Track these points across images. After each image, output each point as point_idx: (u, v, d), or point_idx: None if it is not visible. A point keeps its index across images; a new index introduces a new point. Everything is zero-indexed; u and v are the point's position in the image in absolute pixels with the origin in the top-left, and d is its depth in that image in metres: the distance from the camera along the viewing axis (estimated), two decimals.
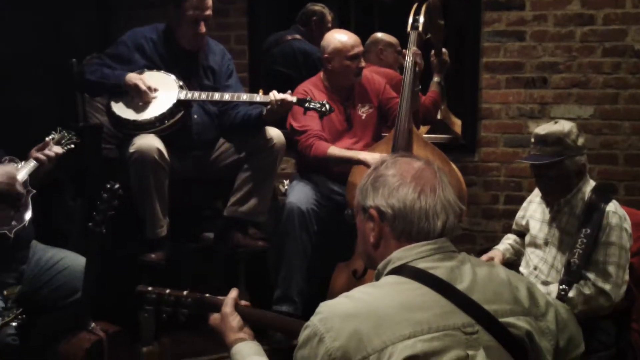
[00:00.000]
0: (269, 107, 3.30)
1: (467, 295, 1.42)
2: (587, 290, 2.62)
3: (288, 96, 3.29)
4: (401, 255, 1.49)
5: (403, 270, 1.46)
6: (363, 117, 3.79)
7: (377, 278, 1.53)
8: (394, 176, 1.55)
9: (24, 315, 2.61)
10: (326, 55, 3.70)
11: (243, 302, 1.90)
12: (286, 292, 3.53)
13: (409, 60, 3.47)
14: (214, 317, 1.86)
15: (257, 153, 3.46)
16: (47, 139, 3.00)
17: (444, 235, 1.53)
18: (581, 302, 2.62)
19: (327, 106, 3.31)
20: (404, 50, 3.57)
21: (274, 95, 3.28)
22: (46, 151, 2.91)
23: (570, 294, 2.62)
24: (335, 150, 3.53)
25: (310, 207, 3.52)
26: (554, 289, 2.65)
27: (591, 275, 2.64)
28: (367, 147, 3.68)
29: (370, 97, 3.83)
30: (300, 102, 3.33)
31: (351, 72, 3.69)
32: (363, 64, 3.73)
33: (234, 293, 1.89)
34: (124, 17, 4.55)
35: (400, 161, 1.59)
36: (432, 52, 3.85)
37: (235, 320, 1.82)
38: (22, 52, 3.82)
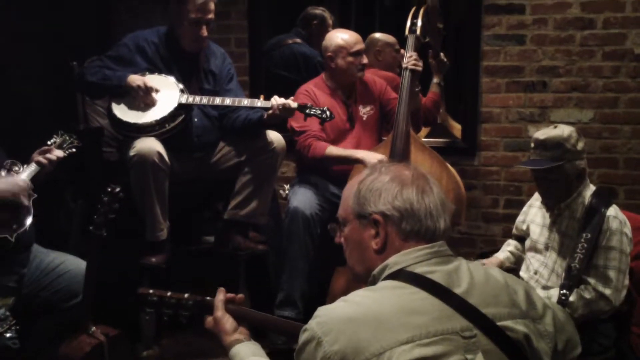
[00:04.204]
0: (270, 111, 3.31)
1: (464, 299, 1.43)
2: (587, 295, 2.63)
3: (289, 102, 3.30)
4: (398, 259, 1.50)
5: (400, 274, 1.47)
6: (364, 118, 3.80)
7: (373, 283, 1.53)
8: (393, 181, 1.56)
9: (17, 327, 2.61)
10: (329, 53, 3.71)
11: (238, 296, 1.91)
12: (289, 296, 3.53)
13: (406, 65, 3.48)
14: (208, 321, 1.88)
15: (258, 156, 3.47)
16: (48, 142, 3.01)
17: (444, 236, 1.55)
18: (582, 306, 2.63)
19: (328, 112, 3.33)
20: (402, 50, 3.58)
21: (276, 100, 3.29)
22: (48, 155, 2.92)
23: (571, 298, 2.62)
24: (333, 149, 3.55)
25: (314, 211, 3.52)
26: (554, 293, 2.66)
27: (592, 280, 2.64)
28: (369, 148, 3.69)
29: (372, 98, 3.84)
30: (301, 108, 3.34)
31: (355, 69, 3.71)
32: (365, 60, 3.75)
33: (221, 295, 1.89)
34: (125, 13, 4.58)
35: (392, 167, 1.61)
36: (430, 52, 3.86)
37: (227, 322, 1.83)
38: (23, 54, 3.83)
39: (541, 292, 2.70)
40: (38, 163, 2.89)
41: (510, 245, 3.20)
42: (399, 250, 1.52)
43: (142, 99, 3.30)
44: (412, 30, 3.55)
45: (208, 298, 1.95)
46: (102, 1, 4.59)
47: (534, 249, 2.94)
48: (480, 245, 4.34)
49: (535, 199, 3.04)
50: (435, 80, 3.97)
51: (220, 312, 1.85)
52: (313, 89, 3.76)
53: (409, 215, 1.52)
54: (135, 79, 3.30)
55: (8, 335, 2.58)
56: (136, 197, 3.26)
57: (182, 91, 3.36)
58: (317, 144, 3.56)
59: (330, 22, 4.84)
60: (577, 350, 1.62)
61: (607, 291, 2.62)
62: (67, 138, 3.11)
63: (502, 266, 3.06)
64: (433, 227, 1.53)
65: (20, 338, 2.62)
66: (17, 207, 2.74)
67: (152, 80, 3.35)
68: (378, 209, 1.54)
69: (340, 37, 3.72)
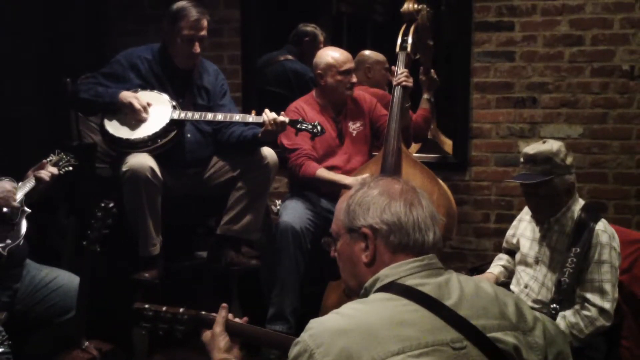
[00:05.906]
0: (263, 128, 3.33)
1: (455, 311, 1.44)
2: (588, 312, 2.63)
3: (280, 117, 3.32)
4: (389, 272, 1.51)
5: (391, 287, 1.48)
6: (354, 134, 3.82)
7: (365, 296, 1.54)
8: (381, 195, 1.58)
9: (10, 342, 2.61)
10: (319, 71, 3.74)
11: (237, 320, 1.93)
12: (280, 311, 3.53)
13: (397, 82, 3.51)
14: (206, 334, 1.89)
15: (250, 171, 3.48)
16: (44, 160, 3.02)
17: (434, 248, 1.56)
18: (587, 325, 2.62)
19: (319, 127, 3.35)
20: (393, 67, 3.61)
21: (267, 115, 3.31)
22: (43, 172, 2.93)
23: (573, 319, 2.63)
24: (323, 172, 3.57)
25: (304, 226, 3.53)
26: (561, 321, 2.66)
27: (589, 295, 2.65)
28: (359, 164, 3.71)
29: (362, 114, 3.87)
30: (293, 123, 3.36)
31: (344, 87, 3.74)
32: (355, 79, 3.78)
33: (223, 312, 1.91)
34: (118, 33, 4.61)
35: (381, 182, 1.63)
36: (421, 69, 3.90)
37: (223, 340, 1.84)
38: (17, 70, 3.84)
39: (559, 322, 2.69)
40: (33, 180, 2.90)
41: (502, 260, 3.20)
42: (388, 263, 1.53)
43: (134, 115, 3.32)
44: (403, 47, 3.59)
45: (203, 313, 1.96)
46: (96, 18, 4.61)
47: (524, 263, 2.96)
48: (471, 260, 4.35)
49: (525, 213, 3.06)
50: (425, 96, 4.00)
51: (219, 328, 1.87)
52: (302, 106, 3.79)
53: (397, 229, 1.54)
54: (127, 96, 3.32)
55: (1, 350, 2.58)
56: (129, 213, 3.27)
57: (174, 107, 3.38)
58: (308, 163, 3.58)
59: (321, 39, 4.88)
60: None
61: (607, 305, 2.62)
62: (64, 157, 3.13)
63: (497, 281, 3.07)
64: (421, 240, 1.55)
65: (14, 353, 2.62)
66: (9, 213, 2.75)
67: (144, 96, 3.37)
68: (367, 223, 1.57)
69: (330, 55, 3.75)
